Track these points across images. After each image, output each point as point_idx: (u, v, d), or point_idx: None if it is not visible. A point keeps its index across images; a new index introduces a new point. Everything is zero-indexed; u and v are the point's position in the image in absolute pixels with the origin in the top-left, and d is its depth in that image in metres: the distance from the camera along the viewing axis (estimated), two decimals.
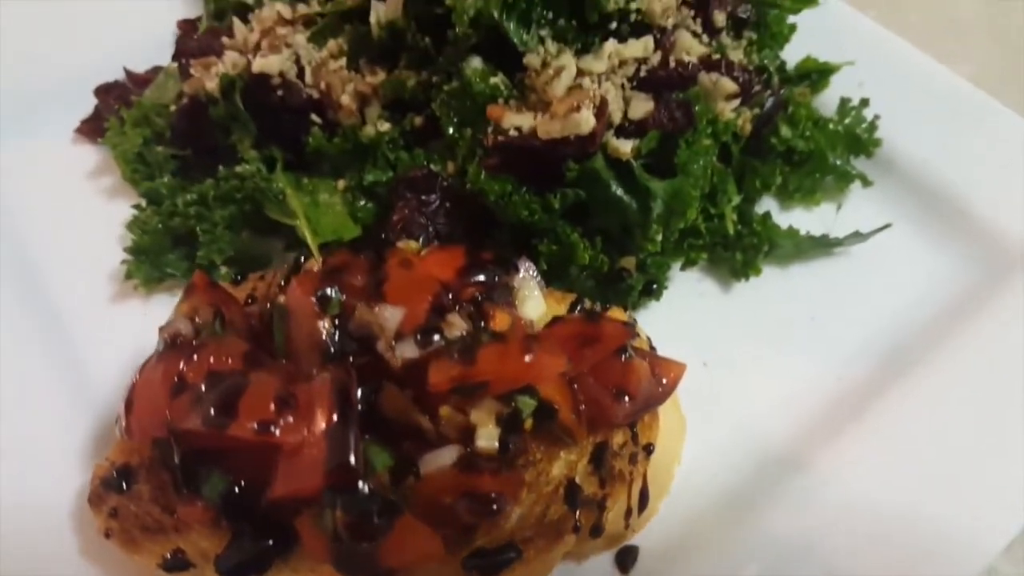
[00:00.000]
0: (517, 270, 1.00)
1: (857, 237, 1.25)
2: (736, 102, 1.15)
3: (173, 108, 1.23)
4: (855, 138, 1.32)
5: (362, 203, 1.13)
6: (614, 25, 1.13)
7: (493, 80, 1.07)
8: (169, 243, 1.17)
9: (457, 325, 0.86)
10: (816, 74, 1.39)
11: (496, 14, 1.04)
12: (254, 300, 1.02)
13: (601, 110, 1.04)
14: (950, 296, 1.22)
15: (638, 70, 1.12)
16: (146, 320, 1.14)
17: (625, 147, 1.07)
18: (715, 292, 1.23)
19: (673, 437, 1.04)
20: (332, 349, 0.85)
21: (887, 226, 1.25)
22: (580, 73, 1.09)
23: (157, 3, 1.47)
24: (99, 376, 1.11)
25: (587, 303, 1.05)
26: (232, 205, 1.14)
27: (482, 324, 0.88)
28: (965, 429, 1.05)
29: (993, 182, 1.30)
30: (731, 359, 1.15)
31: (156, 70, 1.39)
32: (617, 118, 1.09)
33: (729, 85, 1.14)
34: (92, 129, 1.34)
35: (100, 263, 1.21)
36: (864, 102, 1.35)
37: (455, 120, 1.11)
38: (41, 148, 1.34)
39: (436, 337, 0.84)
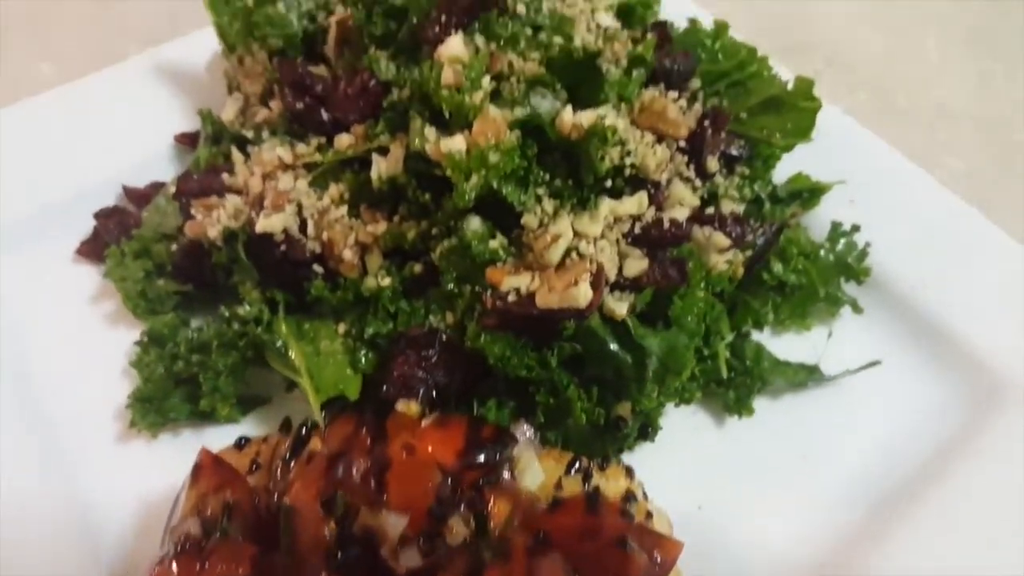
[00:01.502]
0: (516, 440, 1.04)
1: (847, 372, 1.28)
2: (729, 254, 1.18)
3: (175, 247, 1.24)
4: (846, 266, 1.35)
5: (363, 352, 1.15)
6: (609, 182, 1.15)
7: (492, 244, 1.09)
8: (172, 386, 1.19)
9: (459, 532, 0.89)
10: (807, 192, 1.42)
11: (496, 184, 1.06)
12: (258, 467, 1.05)
13: (598, 280, 1.06)
14: (944, 428, 1.24)
15: (632, 226, 1.14)
16: (151, 457, 1.18)
17: (621, 309, 1.09)
18: (708, 425, 1.26)
19: None
20: (338, 552, 0.89)
21: (876, 363, 1.28)
22: (576, 235, 1.11)
23: (155, 116, 1.48)
24: (103, 519, 1.13)
25: (584, 462, 1.08)
26: (234, 351, 1.17)
27: (485, 518, 0.92)
28: (964, 566, 1.08)
29: (986, 309, 1.32)
30: (725, 501, 1.18)
31: (155, 186, 1.41)
32: (612, 275, 1.11)
33: (722, 240, 1.16)
34: (92, 250, 1.35)
35: (104, 395, 1.23)
36: (855, 228, 1.37)
37: (454, 275, 1.13)
38: (41, 268, 1.35)
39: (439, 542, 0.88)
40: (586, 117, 1.06)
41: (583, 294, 1.04)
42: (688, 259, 1.14)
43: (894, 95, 1.86)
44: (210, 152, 1.33)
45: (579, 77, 1.13)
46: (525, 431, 1.07)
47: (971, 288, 1.35)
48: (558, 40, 1.10)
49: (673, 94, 1.22)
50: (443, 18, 1.13)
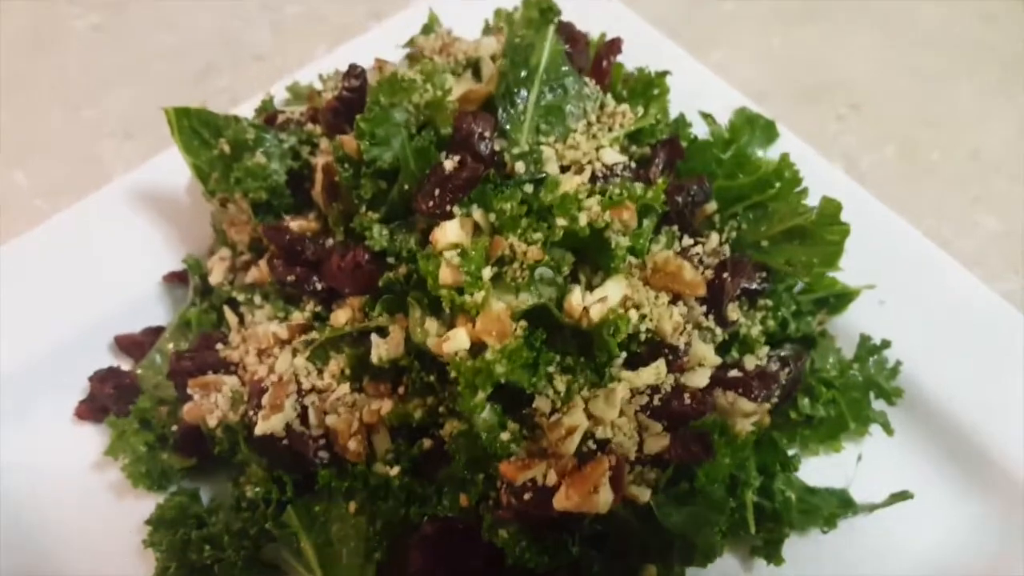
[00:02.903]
0: None
1: (875, 505, 1.23)
2: (755, 416, 1.11)
3: (175, 427, 1.19)
4: (876, 385, 1.28)
5: (376, 539, 1.11)
6: (623, 354, 1.08)
7: (503, 436, 1.03)
8: (187, 572, 1.16)
9: None
10: (834, 298, 1.34)
11: (503, 379, 0.99)
12: None
13: (618, 478, 1.01)
14: (977, 556, 1.20)
15: (652, 398, 1.08)
16: None
17: (644, 495, 1.04)
18: (735, 568, 1.23)
19: None
20: None
21: (907, 496, 1.23)
22: (592, 418, 1.05)
23: (139, 251, 1.40)
24: None
25: None
26: (247, 540, 1.13)
27: None
28: None
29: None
30: None
31: (148, 332, 1.35)
32: (632, 453, 1.06)
33: (748, 406, 1.09)
34: (90, 411, 1.30)
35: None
36: (885, 344, 1.30)
37: (465, 459, 1.07)
38: (39, 434, 1.29)
39: None
40: (596, 309, 0.99)
41: (603, 501, 0.98)
42: (712, 430, 1.08)
43: (925, 146, 1.73)
44: (200, 311, 1.27)
45: (587, 246, 1.05)
46: None
47: (1009, 401, 1.28)
48: (561, 222, 1.00)
49: (688, 242, 1.14)
50: (436, 192, 1.04)
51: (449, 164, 1.04)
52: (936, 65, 1.87)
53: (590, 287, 1.06)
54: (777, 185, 1.22)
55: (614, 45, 1.29)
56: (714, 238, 1.21)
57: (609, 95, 1.21)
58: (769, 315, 1.21)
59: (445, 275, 0.98)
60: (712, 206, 1.24)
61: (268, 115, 1.31)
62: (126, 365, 1.34)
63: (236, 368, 1.16)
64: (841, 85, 1.82)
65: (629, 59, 1.56)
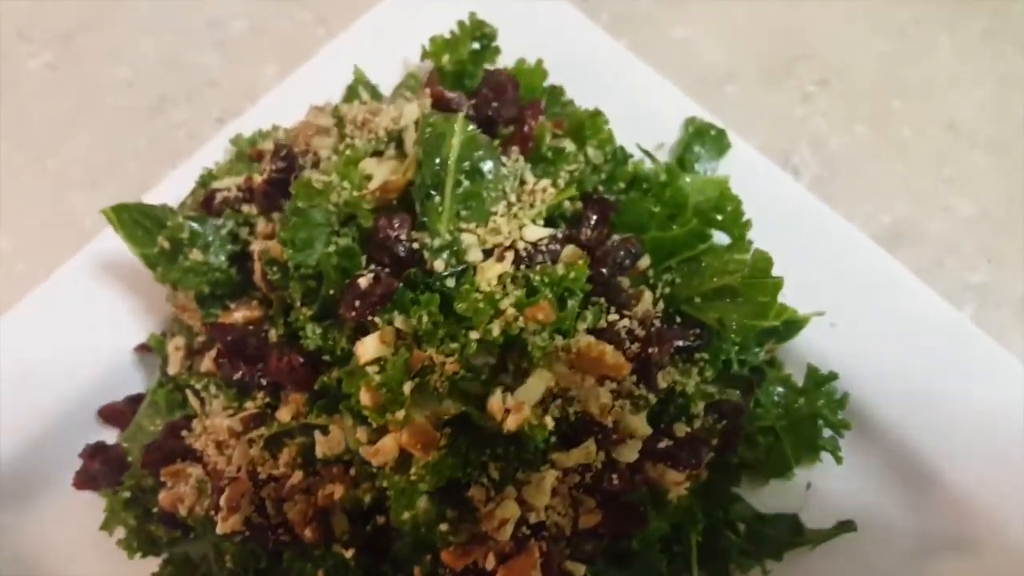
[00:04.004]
0: None
1: (822, 534, 1.28)
2: (686, 483, 1.15)
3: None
4: (823, 417, 1.30)
5: None
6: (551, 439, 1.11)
7: (442, 528, 1.10)
8: None
9: None
10: (783, 326, 1.34)
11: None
12: None
13: (548, 563, 1.07)
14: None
15: (583, 476, 1.12)
16: None
17: (579, 571, 1.11)
18: None
19: None
20: None
21: (851, 527, 1.27)
22: (525, 506, 1.10)
23: (111, 323, 1.45)
24: None
25: None
26: None
27: None
28: None
29: (973, 447, 1.27)
30: None
31: (130, 400, 1.43)
32: (567, 530, 1.12)
33: (676, 476, 1.13)
34: (87, 481, 1.41)
35: None
36: (833, 375, 1.31)
37: (410, 543, 1.15)
38: (46, 512, 1.40)
39: None
40: (512, 419, 1.02)
41: None
42: (643, 502, 1.13)
43: (897, 121, 1.66)
44: (167, 391, 1.34)
45: (507, 346, 1.08)
46: None
47: (959, 423, 1.29)
48: (474, 335, 1.03)
49: (614, 317, 1.15)
50: (356, 303, 1.07)
51: (364, 281, 1.06)
52: (912, 16, 1.76)
53: (516, 381, 1.10)
54: (708, 243, 1.20)
55: (535, 108, 1.26)
56: (647, 297, 1.22)
57: (528, 171, 1.19)
58: (707, 367, 1.23)
59: (365, 398, 1.02)
60: (645, 262, 1.24)
61: (207, 195, 1.33)
62: (113, 433, 1.44)
63: (201, 455, 1.24)
64: (809, 59, 1.73)
65: (576, 64, 1.53)
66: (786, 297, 1.34)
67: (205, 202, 1.33)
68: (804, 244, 1.39)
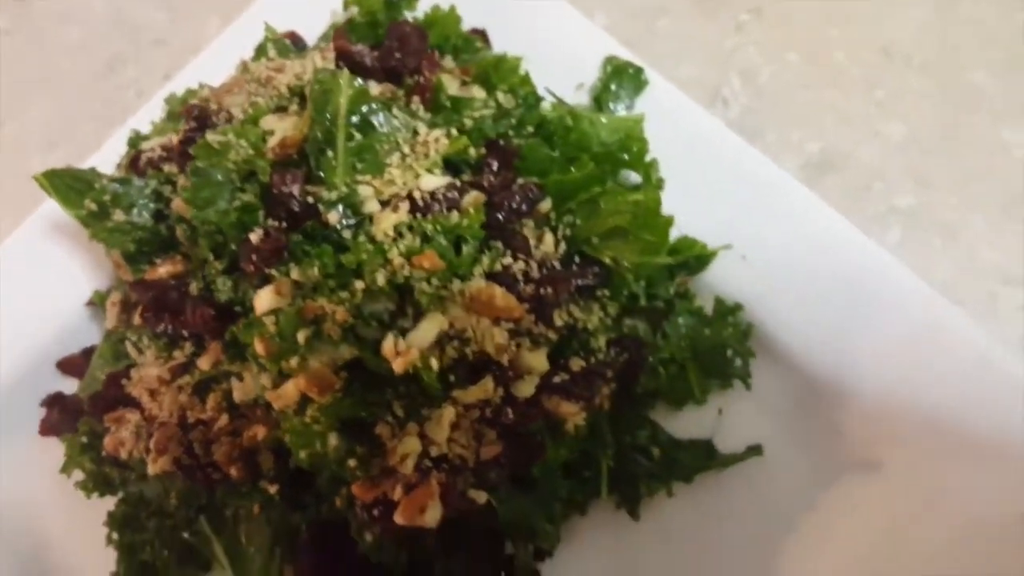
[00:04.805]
0: None
1: (732, 458, 1.33)
2: (582, 414, 1.21)
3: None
4: (730, 347, 1.34)
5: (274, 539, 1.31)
6: (451, 377, 1.17)
7: (351, 463, 1.17)
8: (141, 570, 1.39)
9: None
10: (693, 259, 1.37)
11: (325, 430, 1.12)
12: None
13: (447, 495, 1.14)
14: (841, 498, 1.29)
15: (483, 410, 1.18)
16: None
17: (481, 498, 1.18)
18: (607, 520, 1.36)
19: None
20: None
21: (758, 450, 1.32)
22: (427, 440, 1.17)
23: (67, 280, 1.54)
24: None
25: None
26: (176, 543, 1.35)
27: None
28: None
29: (880, 377, 1.30)
30: None
31: (86, 352, 1.53)
32: (470, 460, 1.19)
33: (571, 408, 1.19)
34: (51, 428, 1.52)
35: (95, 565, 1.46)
36: (738, 307, 1.34)
37: (325, 478, 1.23)
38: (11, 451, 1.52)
39: None
40: (398, 362, 1.08)
41: (431, 518, 1.13)
42: (542, 432, 1.19)
43: (831, 47, 1.64)
44: (111, 344, 1.42)
45: (400, 293, 1.13)
46: None
47: (867, 349, 1.31)
48: (360, 284, 1.08)
49: (507, 261, 1.19)
50: (253, 257, 1.13)
51: (255, 237, 1.12)
52: None
53: (413, 325, 1.15)
54: (604, 184, 1.23)
55: (431, 59, 1.29)
56: (548, 239, 1.26)
57: (421, 122, 1.22)
58: (608, 302, 1.27)
59: (259, 347, 1.09)
60: (546, 205, 1.27)
61: (134, 156, 1.39)
62: (75, 384, 1.55)
63: (138, 402, 1.33)
64: None
65: (497, 8, 1.54)
66: (699, 231, 1.39)
67: (132, 162, 1.39)
68: (719, 178, 1.41)
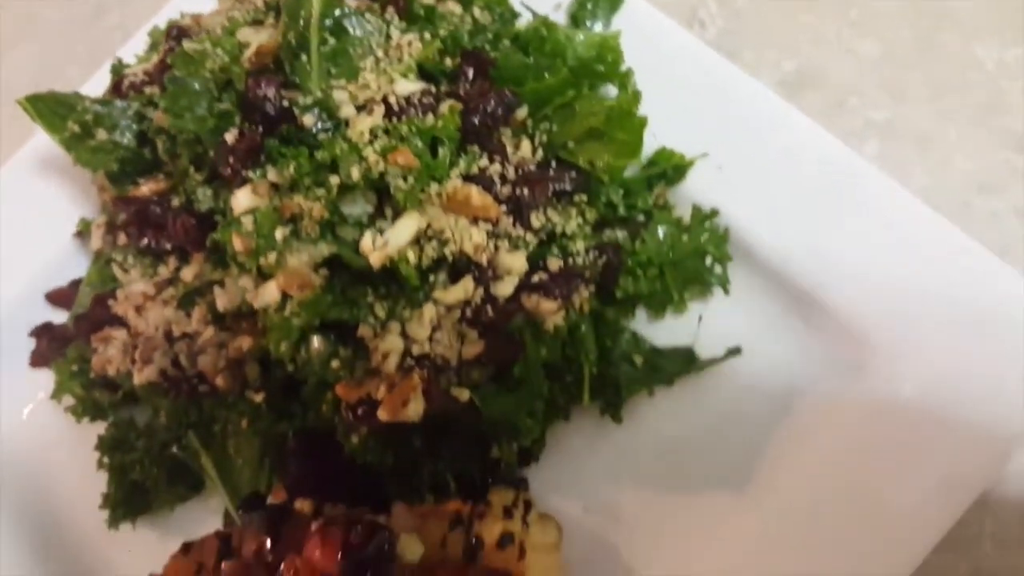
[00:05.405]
0: (388, 529, 1.21)
1: (711, 362, 1.35)
2: (560, 313, 1.22)
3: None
4: (707, 252, 1.35)
5: (263, 451, 1.32)
6: (432, 278, 1.19)
7: (334, 364, 1.19)
8: (132, 488, 1.41)
9: None
10: (671, 169, 1.39)
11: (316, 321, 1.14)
12: (201, 568, 1.29)
13: (430, 390, 1.16)
14: (818, 396, 1.31)
15: (464, 311, 1.20)
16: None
17: (463, 395, 1.20)
18: (590, 425, 1.38)
19: None
20: None
21: (737, 352, 1.34)
22: (408, 339, 1.19)
23: (54, 213, 1.57)
24: None
25: (465, 511, 1.25)
26: (166, 460, 1.37)
27: None
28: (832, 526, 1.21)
29: (853, 269, 1.31)
30: (608, 500, 1.33)
31: (74, 284, 1.54)
32: (453, 360, 1.20)
33: (549, 305, 1.21)
34: (41, 359, 1.53)
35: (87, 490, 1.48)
36: (714, 212, 1.36)
37: (312, 383, 1.25)
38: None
39: None
40: (375, 257, 1.10)
41: (414, 411, 1.15)
42: (522, 331, 1.21)
43: None
44: (98, 269, 1.44)
45: (377, 190, 1.15)
46: (400, 511, 1.24)
47: (843, 251, 1.32)
48: (335, 179, 1.10)
49: (484, 163, 1.21)
50: (230, 159, 1.15)
51: (230, 137, 1.14)
52: None
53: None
54: (578, 89, 1.25)
55: None
56: (525, 145, 1.27)
57: (394, 27, 1.24)
58: (586, 208, 1.29)
59: (237, 243, 1.10)
60: (522, 113, 1.29)
61: (116, 82, 1.40)
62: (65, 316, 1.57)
63: (125, 320, 1.35)
64: None
65: None
66: (677, 144, 1.40)
67: (115, 88, 1.41)
68: (695, 92, 1.43)
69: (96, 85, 1.56)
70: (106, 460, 1.42)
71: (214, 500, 1.43)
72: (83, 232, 1.53)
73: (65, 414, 1.48)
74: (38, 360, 1.53)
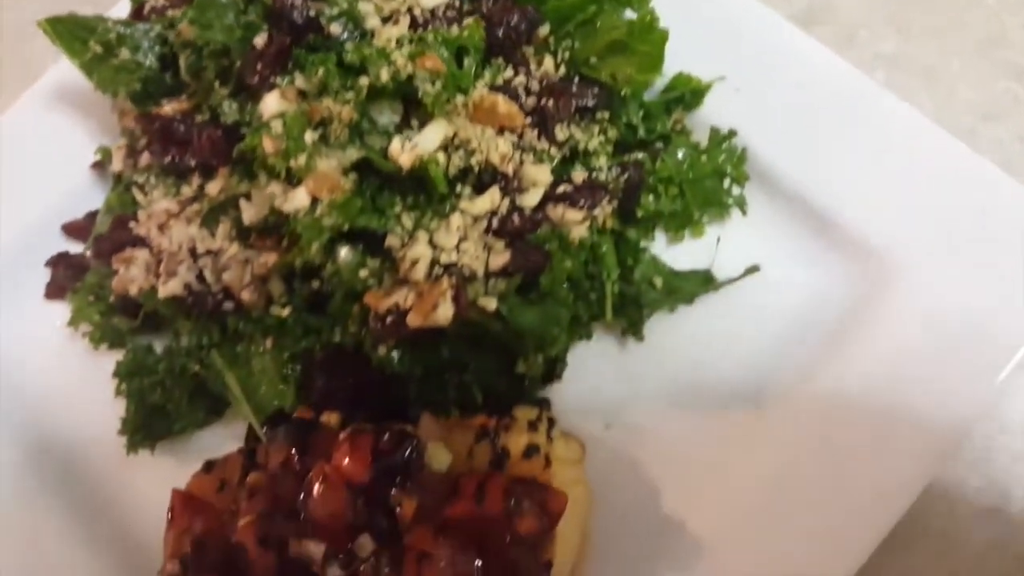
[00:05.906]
0: (416, 438, 1.22)
1: (729, 280, 1.37)
2: (585, 224, 1.24)
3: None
4: (725, 173, 1.37)
5: (289, 366, 1.33)
6: (459, 188, 1.21)
7: (363, 273, 1.20)
8: (151, 412, 1.41)
9: (366, 546, 1.11)
10: (689, 94, 1.41)
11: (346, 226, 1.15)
12: (225, 485, 1.29)
13: (459, 296, 1.17)
14: (834, 314, 1.32)
15: (491, 221, 1.22)
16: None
17: (491, 304, 1.21)
18: (611, 347, 1.39)
19: (581, 511, 1.30)
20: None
21: (755, 269, 1.36)
22: (437, 247, 1.20)
23: (70, 146, 1.56)
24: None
25: (491, 424, 1.26)
26: (187, 381, 1.37)
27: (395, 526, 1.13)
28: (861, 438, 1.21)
29: (867, 188, 1.34)
30: (630, 417, 1.35)
31: (90, 216, 1.54)
32: (480, 270, 1.22)
33: (575, 215, 1.22)
34: (57, 292, 1.53)
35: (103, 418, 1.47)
36: (732, 133, 1.38)
37: (340, 295, 1.25)
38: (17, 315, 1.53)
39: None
40: (405, 158, 1.11)
41: (443, 315, 1.16)
42: (548, 241, 1.22)
43: None
44: (118, 194, 1.44)
45: (407, 96, 1.16)
46: (427, 421, 1.25)
47: (857, 169, 1.35)
48: (364, 80, 1.11)
49: (509, 74, 1.23)
50: (257, 67, 1.16)
51: (259, 40, 1.14)
52: None
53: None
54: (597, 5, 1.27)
55: None
56: (548, 61, 1.29)
57: None
58: (608, 126, 1.31)
59: (267, 145, 1.11)
60: (545, 29, 1.30)
61: (136, 8, 1.40)
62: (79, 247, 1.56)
63: (147, 240, 1.35)
64: None
65: None
66: (695, 72, 1.42)
67: (135, 13, 1.41)
68: (711, 20, 1.45)
69: (116, 14, 1.56)
70: (123, 387, 1.41)
71: (234, 426, 1.43)
72: (102, 162, 1.52)
73: (81, 345, 1.48)
74: (53, 291, 1.52)
